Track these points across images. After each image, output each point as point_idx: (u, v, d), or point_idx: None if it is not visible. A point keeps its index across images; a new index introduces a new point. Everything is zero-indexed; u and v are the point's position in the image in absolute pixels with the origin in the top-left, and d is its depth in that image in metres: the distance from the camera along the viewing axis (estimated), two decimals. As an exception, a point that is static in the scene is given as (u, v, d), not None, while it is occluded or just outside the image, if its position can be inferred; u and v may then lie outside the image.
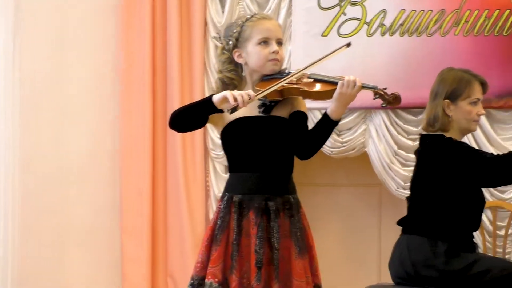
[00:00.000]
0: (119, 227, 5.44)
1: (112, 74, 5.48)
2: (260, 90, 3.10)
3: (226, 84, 3.26)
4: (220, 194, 5.30)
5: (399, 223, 3.94)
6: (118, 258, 5.45)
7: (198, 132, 5.33)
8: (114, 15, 5.47)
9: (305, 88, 3.16)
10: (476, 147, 5.02)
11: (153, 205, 5.43)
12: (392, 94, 3.19)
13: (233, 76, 3.26)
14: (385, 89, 3.19)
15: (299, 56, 5.14)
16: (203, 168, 5.43)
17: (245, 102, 3.02)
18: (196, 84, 5.41)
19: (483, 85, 3.91)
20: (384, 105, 3.22)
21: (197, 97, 5.37)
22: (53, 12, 5.43)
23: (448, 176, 3.78)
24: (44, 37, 5.42)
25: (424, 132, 3.95)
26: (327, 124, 3.18)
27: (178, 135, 5.30)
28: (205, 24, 5.40)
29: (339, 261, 5.80)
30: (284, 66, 5.15)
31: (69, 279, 5.47)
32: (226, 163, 5.33)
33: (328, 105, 3.18)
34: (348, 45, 3.22)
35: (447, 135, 3.85)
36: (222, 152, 5.30)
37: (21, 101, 5.32)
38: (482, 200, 3.92)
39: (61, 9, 5.44)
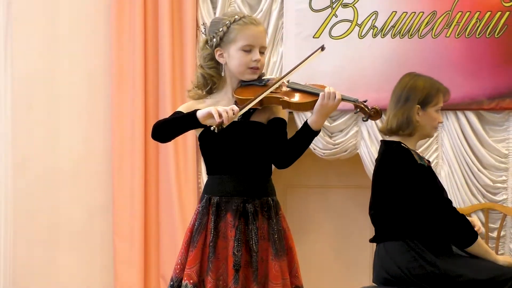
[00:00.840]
0: (111, 229, 5.43)
1: (104, 75, 5.46)
2: (243, 103, 3.09)
3: (206, 80, 3.26)
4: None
5: (372, 240, 3.98)
6: (110, 259, 5.44)
7: (190, 134, 5.31)
8: (105, 16, 5.45)
9: (285, 98, 3.16)
10: (468, 149, 5.03)
11: (145, 207, 5.42)
12: (373, 108, 3.22)
13: (213, 73, 3.26)
14: (365, 101, 3.21)
15: (291, 58, 5.13)
16: (195, 170, 5.42)
17: (230, 118, 3.00)
18: (187, 85, 5.39)
19: (446, 94, 3.99)
20: (365, 119, 3.25)
21: (189, 100, 5.36)
22: (44, 12, 5.42)
23: (406, 190, 3.82)
24: (36, 38, 5.40)
25: (386, 138, 3.99)
26: (307, 134, 3.18)
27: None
28: (197, 25, 5.39)
29: (331, 262, 5.80)
30: (275, 68, 5.23)
31: (62, 281, 5.46)
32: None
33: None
34: (322, 48, 3.23)
35: (409, 140, 3.89)
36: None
37: (12, 102, 5.31)
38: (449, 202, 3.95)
39: (53, 9, 5.43)
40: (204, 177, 5.40)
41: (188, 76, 5.37)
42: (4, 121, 5.29)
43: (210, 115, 3.02)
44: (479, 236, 3.89)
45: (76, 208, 5.46)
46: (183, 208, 5.37)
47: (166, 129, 3.15)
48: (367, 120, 3.25)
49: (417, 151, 3.98)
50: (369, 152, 5.15)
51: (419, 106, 3.91)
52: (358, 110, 3.22)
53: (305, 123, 3.18)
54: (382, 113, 3.26)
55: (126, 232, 5.39)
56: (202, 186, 5.37)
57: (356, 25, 5.10)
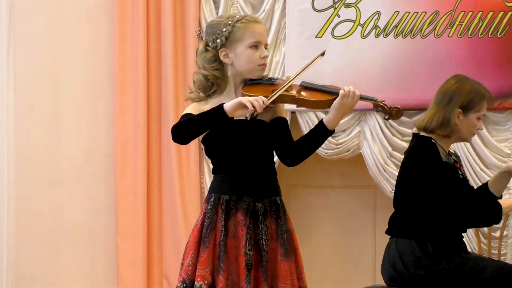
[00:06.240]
0: (114, 229, 5.43)
1: (106, 75, 5.46)
2: (269, 97, 3.09)
3: (210, 82, 3.23)
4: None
5: (387, 232, 3.97)
6: (113, 259, 5.44)
7: (193, 134, 5.31)
8: (107, 15, 5.45)
9: (301, 96, 3.16)
10: (471, 149, 5.02)
11: (148, 207, 5.42)
12: (394, 107, 3.24)
13: (219, 74, 3.22)
14: (383, 101, 3.22)
15: (293, 58, 5.14)
16: (197, 169, 5.42)
17: (261, 108, 3.00)
18: (190, 85, 5.38)
19: (491, 102, 3.94)
20: (386, 118, 3.27)
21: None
22: (47, 13, 5.42)
23: (428, 185, 3.81)
24: (38, 39, 5.40)
25: (421, 133, 3.95)
26: (322, 133, 3.18)
27: (173, 136, 5.30)
28: (199, 24, 5.39)
29: (333, 262, 5.80)
30: (278, 68, 5.24)
31: (65, 280, 5.46)
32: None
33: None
34: (323, 54, 3.24)
35: (443, 140, 3.88)
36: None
37: (15, 102, 5.31)
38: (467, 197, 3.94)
39: (55, 9, 5.43)
40: (207, 177, 5.40)
41: (190, 76, 5.37)
42: (6, 122, 5.29)
43: (240, 106, 3.01)
44: (500, 202, 3.86)
45: (79, 208, 5.46)
46: (186, 208, 5.37)
47: (190, 129, 3.10)
48: (389, 119, 3.26)
49: (446, 150, 3.93)
50: (372, 152, 5.15)
51: (460, 110, 3.87)
52: (379, 109, 3.23)
53: (321, 121, 3.17)
54: (404, 112, 3.27)
55: (129, 232, 5.39)
56: (205, 186, 5.40)
57: (358, 25, 5.10)
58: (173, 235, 5.38)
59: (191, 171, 5.40)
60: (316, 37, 5.14)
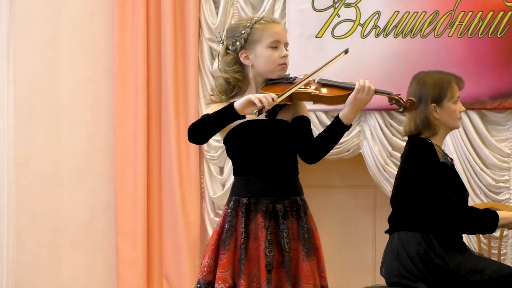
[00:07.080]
0: (114, 229, 5.43)
1: (106, 75, 5.46)
2: (280, 94, 3.09)
3: (232, 84, 3.25)
4: (215, 196, 5.34)
5: (388, 231, 3.96)
6: (113, 260, 5.45)
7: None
8: (108, 16, 5.46)
9: (317, 93, 3.17)
10: (471, 149, 5.02)
11: (148, 207, 5.42)
12: (408, 100, 3.26)
13: (239, 77, 3.24)
14: (399, 95, 3.24)
15: (293, 58, 5.07)
16: (198, 170, 5.42)
17: (270, 104, 3.00)
18: (190, 85, 5.40)
19: (459, 82, 3.95)
20: (401, 111, 3.28)
21: (192, 99, 5.38)
22: (47, 13, 5.42)
23: (426, 186, 3.82)
24: (38, 39, 5.40)
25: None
26: (339, 129, 3.19)
27: (173, 136, 5.31)
28: (199, 25, 5.40)
29: (333, 262, 5.78)
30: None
31: (64, 281, 5.47)
32: (221, 164, 5.38)
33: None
34: (346, 51, 3.25)
35: (434, 137, 3.89)
36: (217, 154, 5.31)
37: (15, 102, 5.31)
38: (465, 202, 3.94)
39: (55, 9, 5.43)
40: (207, 177, 5.41)
41: (190, 76, 5.38)
42: (6, 122, 5.29)
43: (249, 103, 3.02)
44: (498, 213, 3.86)
45: (79, 209, 5.47)
46: (185, 208, 5.38)
47: (203, 128, 3.11)
48: (403, 112, 3.29)
49: (442, 149, 3.95)
50: (372, 152, 5.15)
51: (434, 104, 3.88)
52: (393, 102, 3.24)
53: (337, 117, 3.18)
54: (418, 105, 3.29)
55: (128, 232, 5.39)
56: (205, 186, 5.40)
57: (358, 24, 5.10)
58: (173, 235, 5.38)
59: (191, 171, 5.40)
60: (316, 37, 5.14)
